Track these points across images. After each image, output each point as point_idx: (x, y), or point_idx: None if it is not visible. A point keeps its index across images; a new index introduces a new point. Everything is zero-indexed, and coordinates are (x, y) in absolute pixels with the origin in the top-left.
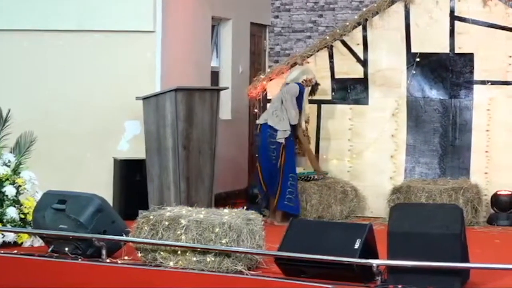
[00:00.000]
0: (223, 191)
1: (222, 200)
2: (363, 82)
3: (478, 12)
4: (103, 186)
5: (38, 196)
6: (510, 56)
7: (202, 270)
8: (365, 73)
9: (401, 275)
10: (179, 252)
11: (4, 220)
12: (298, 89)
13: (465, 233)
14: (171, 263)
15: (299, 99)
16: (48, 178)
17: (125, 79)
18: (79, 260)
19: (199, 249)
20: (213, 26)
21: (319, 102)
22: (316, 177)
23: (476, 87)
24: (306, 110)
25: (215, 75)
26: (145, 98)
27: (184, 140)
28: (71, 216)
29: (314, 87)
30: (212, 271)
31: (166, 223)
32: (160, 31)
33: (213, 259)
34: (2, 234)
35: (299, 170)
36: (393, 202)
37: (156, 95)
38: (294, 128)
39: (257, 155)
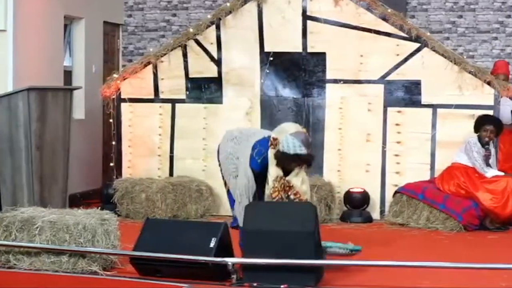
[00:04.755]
0: (77, 192)
1: (77, 201)
2: (217, 81)
3: (329, 11)
4: None
5: None
6: (362, 56)
7: (57, 271)
8: (219, 72)
9: (256, 273)
10: (33, 254)
11: None
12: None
13: (319, 231)
14: (25, 265)
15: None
16: None
17: None
18: None
19: (53, 250)
20: (65, 25)
21: (173, 102)
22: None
23: (328, 86)
24: (270, 176)
25: (68, 75)
26: None
27: (37, 140)
28: None
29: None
30: (67, 272)
31: (20, 224)
32: (11, 30)
33: (67, 259)
34: None
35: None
36: None
37: (8, 94)
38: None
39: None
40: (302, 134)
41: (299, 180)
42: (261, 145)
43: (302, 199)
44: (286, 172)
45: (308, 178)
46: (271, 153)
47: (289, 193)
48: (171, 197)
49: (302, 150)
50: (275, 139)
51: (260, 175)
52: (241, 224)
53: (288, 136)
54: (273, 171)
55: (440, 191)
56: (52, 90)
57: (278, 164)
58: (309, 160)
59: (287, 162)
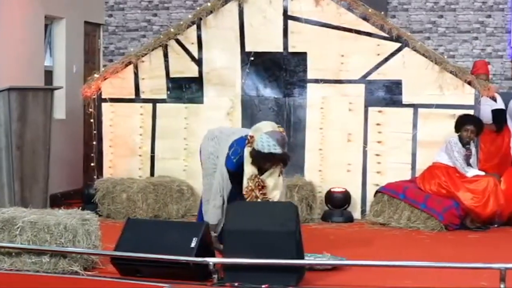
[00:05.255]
0: (58, 192)
1: (58, 201)
2: (198, 81)
3: (310, 11)
4: None
5: None
6: (343, 55)
7: (38, 271)
8: (200, 72)
9: (237, 273)
10: (14, 254)
11: None
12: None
13: (300, 230)
14: (6, 265)
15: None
16: None
17: None
18: None
19: (34, 250)
20: (46, 25)
21: (154, 101)
22: None
23: (309, 85)
24: (245, 174)
25: (49, 75)
26: None
27: (17, 140)
28: None
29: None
30: (47, 272)
31: (0, 224)
32: None
33: (48, 260)
34: None
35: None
36: None
37: None
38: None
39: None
40: (277, 133)
41: (272, 181)
42: (238, 144)
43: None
44: (262, 171)
45: (282, 182)
46: (247, 151)
47: (260, 193)
48: (152, 197)
49: (277, 150)
50: (251, 137)
51: (237, 175)
52: (208, 221)
53: (263, 134)
54: (248, 170)
55: (421, 191)
56: (33, 90)
57: (253, 163)
58: (284, 159)
59: (262, 161)
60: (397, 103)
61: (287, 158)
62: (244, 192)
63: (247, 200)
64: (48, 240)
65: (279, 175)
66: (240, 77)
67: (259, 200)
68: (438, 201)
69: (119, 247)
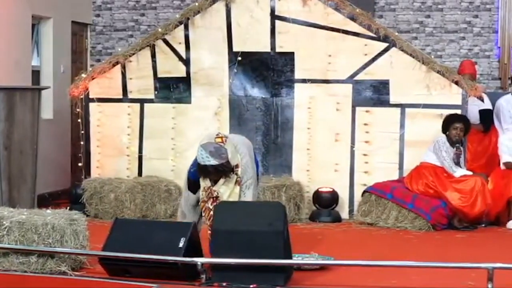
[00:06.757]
0: (46, 192)
1: (45, 201)
2: (186, 81)
3: (298, 11)
4: None
5: None
6: (330, 55)
7: (25, 271)
8: (188, 72)
9: (225, 273)
10: (1, 254)
11: None
12: None
13: (288, 230)
14: None
15: None
16: None
17: None
18: None
19: (22, 251)
20: (33, 25)
21: (142, 101)
22: None
23: (297, 85)
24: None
25: (36, 74)
26: None
27: (5, 140)
28: None
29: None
30: (35, 273)
31: None
32: None
33: (36, 260)
34: None
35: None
36: None
37: None
38: None
39: None
40: (211, 145)
41: (227, 191)
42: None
43: None
44: (215, 182)
45: (238, 191)
46: None
47: (214, 203)
48: (140, 197)
49: (210, 161)
50: None
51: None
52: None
53: (199, 147)
54: (201, 182)
55: (408, 191)
56: (20, 90)
57: (199, 175)
58: (220, 170)
59: (201, 172)
60: (385, 103)
61: (223, 168)
62: (199, 203)
63: (201, 211)
64: (35, 240)
65: (235, 184)
66: (228, 77)
67: (211, 211)
68: (426, 201)
69: (107, 247)
